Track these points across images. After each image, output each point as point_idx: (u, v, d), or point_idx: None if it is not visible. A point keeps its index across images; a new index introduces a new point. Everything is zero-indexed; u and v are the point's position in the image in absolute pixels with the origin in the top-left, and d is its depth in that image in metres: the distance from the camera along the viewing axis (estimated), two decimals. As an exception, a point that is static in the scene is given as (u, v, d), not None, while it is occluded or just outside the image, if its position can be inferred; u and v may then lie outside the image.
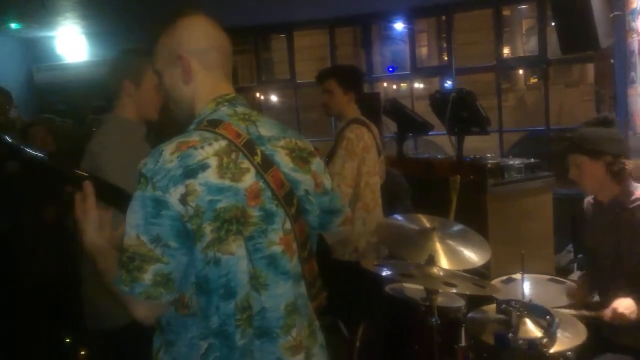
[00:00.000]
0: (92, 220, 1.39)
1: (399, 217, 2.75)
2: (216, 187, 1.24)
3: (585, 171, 2.30)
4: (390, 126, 4.91)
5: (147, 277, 1.22)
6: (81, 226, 1.39)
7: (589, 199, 2.51)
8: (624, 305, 2.15)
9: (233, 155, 1.28)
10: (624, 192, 2.29)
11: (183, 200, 1.22)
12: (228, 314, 1.27)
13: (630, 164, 2.27)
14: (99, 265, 1.36)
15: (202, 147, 1.26)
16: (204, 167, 1.24)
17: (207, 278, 1.26)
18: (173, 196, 1.21)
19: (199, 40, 1.39)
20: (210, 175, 1.24)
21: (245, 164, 1.29)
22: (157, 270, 1.22)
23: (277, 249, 1.32)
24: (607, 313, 2.17)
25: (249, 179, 1.29)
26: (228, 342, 1.28)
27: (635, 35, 3.54)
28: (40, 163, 1.43)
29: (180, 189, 1.22)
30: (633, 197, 2.27)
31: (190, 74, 1.39)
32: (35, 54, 7.78)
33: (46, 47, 7.77)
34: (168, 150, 1.26)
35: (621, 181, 2.28)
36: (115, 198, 1.43)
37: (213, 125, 1.32)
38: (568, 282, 2.64)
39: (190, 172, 1.23)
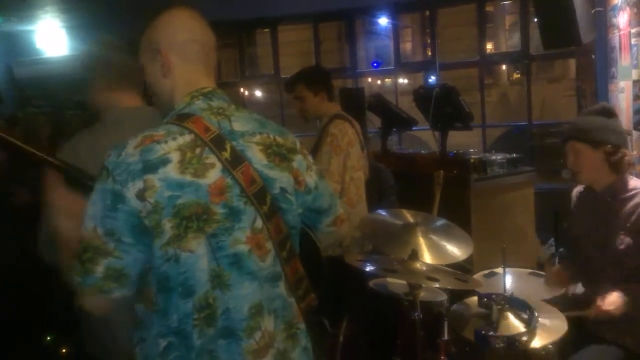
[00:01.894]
0: (61, 206, 1.33)
1: (382, 212, 2.75)
2: (176, 183, 1.22)
3: (584, 159, 2.29)
4: (375, 121, 4.92)
5: (99, 269, 1.20)
6: (50, 212, 1.35)
7: (578, 188, 2.51)
8: (608, 301, 2.14)
9: (197, 150, 1.26)
10: (620, 181, 2.29)
11: (140, 195, 1.20)
12: (186, 313, 1.24)
13: (629, 156, 2.30)
14: (61, 253, 1.31)
15: (166, 142, 1.24)
16: (164, 162, 1.22)
17: (167, 275, 1.23)
18: (131, 191, 1.20)
19: (178, 33, 1.37)
20: (171, 171, 1.22)
21: (211, 159, 1.26)
22: (108, 265, 1.20)
23: (243, 248, 1.28)
24: (592, 312, 2.16)
25: (213, 175, 1.25)
26: (186, 341, 1.25)
27: (616, 31, 3.57)
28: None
29: (138, 184, 1.20)
30: (627, 188, 2.28)
31: (168, 67, 1.37)
32: (15, 48, 7.64)
33: (26, 41, 7.64)
34: (132, 144, 1.24)
35: (619, 171, 2.28)
36: (86, 186, 1.38)
37: (181, 119, 1.30)
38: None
39: (150, 166, 1.21)
